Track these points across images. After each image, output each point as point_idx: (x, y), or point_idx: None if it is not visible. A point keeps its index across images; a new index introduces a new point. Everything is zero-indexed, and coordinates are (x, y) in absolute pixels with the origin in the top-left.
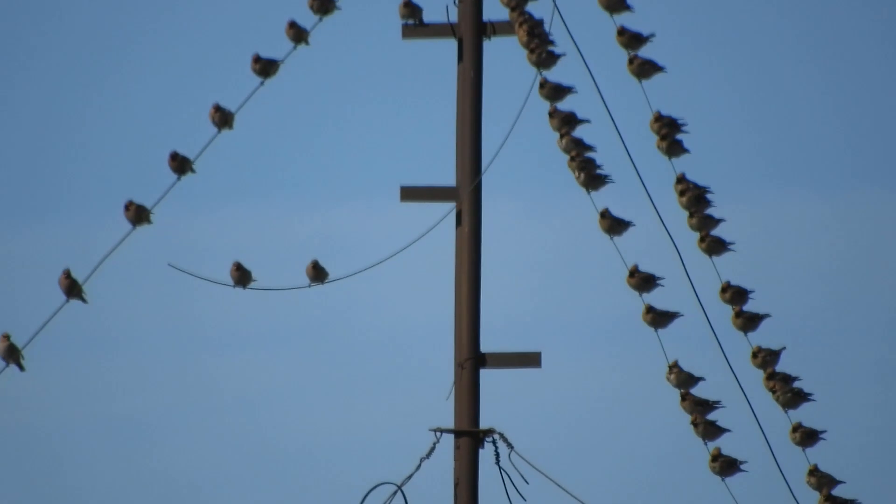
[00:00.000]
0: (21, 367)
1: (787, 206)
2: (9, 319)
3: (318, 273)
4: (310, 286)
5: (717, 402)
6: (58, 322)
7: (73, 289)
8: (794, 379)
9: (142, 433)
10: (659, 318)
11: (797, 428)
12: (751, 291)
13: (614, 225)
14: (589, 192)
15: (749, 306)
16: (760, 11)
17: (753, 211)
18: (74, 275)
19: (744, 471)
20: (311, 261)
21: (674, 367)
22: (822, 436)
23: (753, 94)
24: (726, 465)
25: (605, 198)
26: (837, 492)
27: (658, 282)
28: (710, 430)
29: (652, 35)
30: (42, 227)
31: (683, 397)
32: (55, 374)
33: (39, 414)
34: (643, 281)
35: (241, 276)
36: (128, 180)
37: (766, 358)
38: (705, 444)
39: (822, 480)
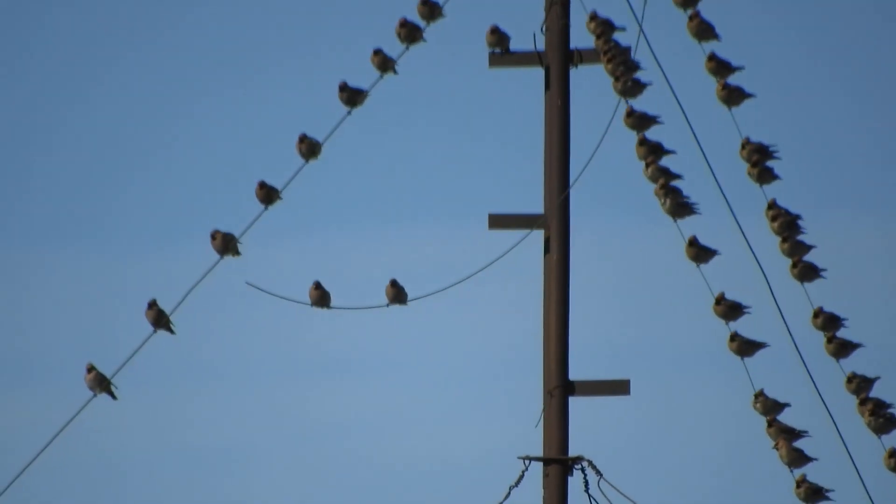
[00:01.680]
0: (113, 396)
1: (875, 233)
2: (97, 350)
3: (397, 292)
4: (388, 305)
5: (804, 432)
6: (145, 352)
7: (160, 319)
8: (888, 406)
9: (231, 462)
10: (745, 347)
11: (893, 454)
12: (844, 319)
13: (701, 253)
14: (675, 221)
15: (840, 335)
16: (846, 37)
17: (843, 238)
18: (161, 304)
19: (830, 499)
20: (389, 280)
21: (759, 396)
22: None
23: (842, 119)
24: (811, 492)
25: (689, 226)
26: None
27: (745, 310)
28: (796, 458)
29: (741, 67)
30: (129, 257)
31: (770, 423)
32: (145, 404)
33: (129, 443)
34: (730, 309)
35: (321, 297)
36: (214, 210)
37: (861, 384)
38: (791, 471)
39: None
